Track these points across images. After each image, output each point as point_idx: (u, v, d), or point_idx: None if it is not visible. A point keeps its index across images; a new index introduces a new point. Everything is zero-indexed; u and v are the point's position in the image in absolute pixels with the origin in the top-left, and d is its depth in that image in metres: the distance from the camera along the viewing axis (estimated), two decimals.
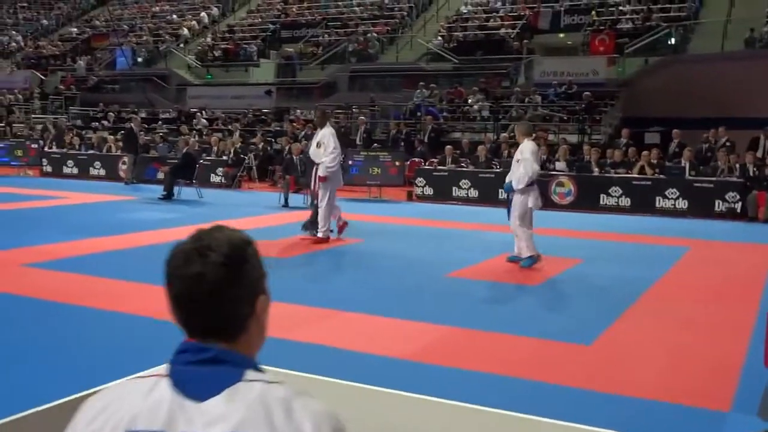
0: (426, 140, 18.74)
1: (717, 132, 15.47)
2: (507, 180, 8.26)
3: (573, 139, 18.28)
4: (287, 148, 17.06)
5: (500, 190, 8.33)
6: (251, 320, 1.27)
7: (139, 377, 1.27)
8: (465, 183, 15.47)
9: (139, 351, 4.56)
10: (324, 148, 9.20)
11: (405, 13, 26.43)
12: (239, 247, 1.25)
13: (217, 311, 1.23)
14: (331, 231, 9.57)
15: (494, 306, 6.53)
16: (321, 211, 9.31)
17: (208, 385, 1.19)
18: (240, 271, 1.24)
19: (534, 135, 9.63)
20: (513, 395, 4.19)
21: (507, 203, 8.41)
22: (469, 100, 20.60)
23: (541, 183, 13.98)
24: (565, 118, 19.19)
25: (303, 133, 18.70)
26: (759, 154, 14.34)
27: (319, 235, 9.38)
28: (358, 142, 18.97)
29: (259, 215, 12.31)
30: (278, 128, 21.45)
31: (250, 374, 1.21)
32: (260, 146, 19.10)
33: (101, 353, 4.70)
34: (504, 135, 18.19)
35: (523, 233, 8.01)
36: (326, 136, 9.25)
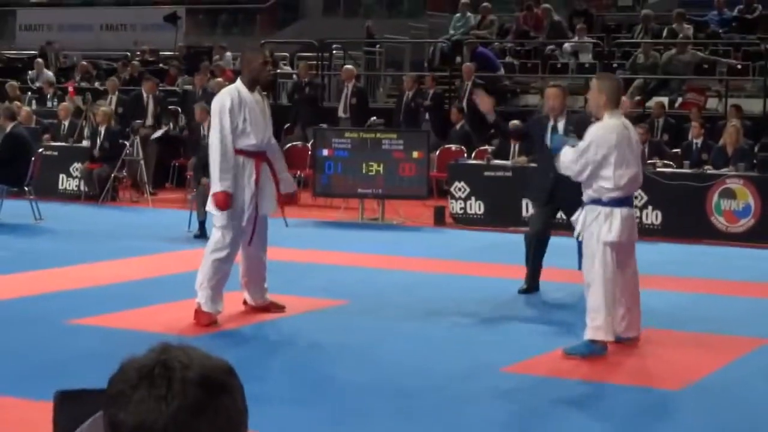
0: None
1: None
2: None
3: (754, 106, 18.31)
4: (206, 123, 17.16)
5: None
6: None
7: None
8: None
9: None
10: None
11: None
12: (219, 371, 1.63)
13: None
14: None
15: (592, 430, 6.55)
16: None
17: None
18: (216, 401, 1.59)
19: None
20: None
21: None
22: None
23: (695, 191, 14.11)
24: (739, 66, 19.25)
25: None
26: None
27: None
28: (341, 113, 19.05)
29: (153, 253, 12.35)
30: (189, 86, 21.56)
31: None
32: (155, 121, 19.20)
33: None
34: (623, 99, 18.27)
35: (592, 293, 8.04)
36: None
